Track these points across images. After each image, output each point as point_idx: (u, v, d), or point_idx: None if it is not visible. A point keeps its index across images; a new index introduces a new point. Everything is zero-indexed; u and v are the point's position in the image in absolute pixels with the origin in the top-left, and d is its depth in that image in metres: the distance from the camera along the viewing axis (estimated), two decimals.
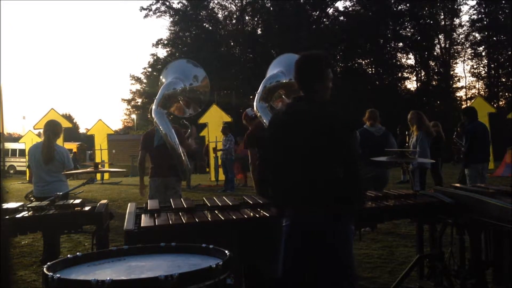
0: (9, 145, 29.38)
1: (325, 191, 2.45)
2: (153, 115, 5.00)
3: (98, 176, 15.93)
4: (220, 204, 3.18)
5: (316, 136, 2.46)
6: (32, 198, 5.21)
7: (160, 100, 5.01)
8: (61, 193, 3.81)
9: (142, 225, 2.75)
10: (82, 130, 51.58)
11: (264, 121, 4.65)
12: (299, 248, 2.44)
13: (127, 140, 31.97)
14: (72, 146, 27.85)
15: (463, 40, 36.78)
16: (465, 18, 61.04)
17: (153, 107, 5.04)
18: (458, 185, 4.07)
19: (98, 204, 3.44)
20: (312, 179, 2.46)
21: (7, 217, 3.21)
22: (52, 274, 1.71)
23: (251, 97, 28.50)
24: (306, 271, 2.42)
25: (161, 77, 5.53)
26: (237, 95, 32.73)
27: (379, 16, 35.03)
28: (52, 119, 5.55)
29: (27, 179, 17.87)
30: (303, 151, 2.48)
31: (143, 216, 2.94)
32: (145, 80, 39.19)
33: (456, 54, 37.21)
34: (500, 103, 34.57)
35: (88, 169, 4.42)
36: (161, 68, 24.68)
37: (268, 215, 2.95)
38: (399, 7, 36.84)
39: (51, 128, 5.01)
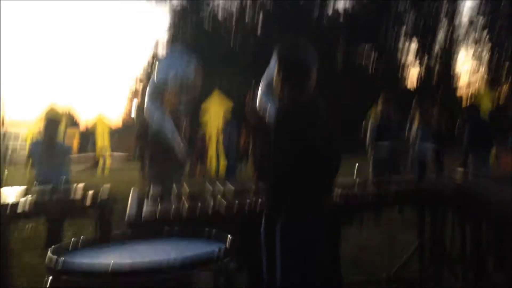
0: (12, 130, 29.27)
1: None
2: (145, 106, 4.93)
3: (101, 161, 15.97)
4: (223, 192, 3.17)
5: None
6: (35, 184, 5.22)
7: (151, 92, 4.95)
8: (64, 177, 3.82)
9: (144, 211, 2.76)
10: (82, 128, 51.35)
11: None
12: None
13: (128, 129, 31.82)
14: (74, 131, 27.79)
15: (465, 30, 36.49)
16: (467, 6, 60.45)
17: (146, 98, 4.98)
18: (460, 171, 4.06)
19: (101, 189, 3.45)
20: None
21: (10, 202, 3.23)
22: (56, 257, 1.73)
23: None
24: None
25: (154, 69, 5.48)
26: (238, 91, 32.49)
27: (379, 16, 34.80)
28: (52, 114, 5.56)
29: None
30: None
31: (145, 202, 2.95)
32: (145, 80, 39.02)
33: (457, 42, 36.94)
34: (502, 92, 34.36)
35: (90, 153, 4.43)
36: None
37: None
38: (399, 7, 36.61)
39: (51, 124, 5.00)
